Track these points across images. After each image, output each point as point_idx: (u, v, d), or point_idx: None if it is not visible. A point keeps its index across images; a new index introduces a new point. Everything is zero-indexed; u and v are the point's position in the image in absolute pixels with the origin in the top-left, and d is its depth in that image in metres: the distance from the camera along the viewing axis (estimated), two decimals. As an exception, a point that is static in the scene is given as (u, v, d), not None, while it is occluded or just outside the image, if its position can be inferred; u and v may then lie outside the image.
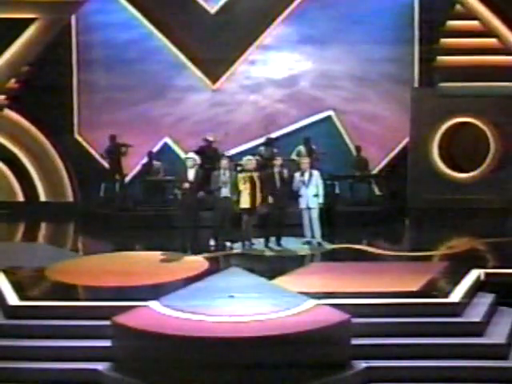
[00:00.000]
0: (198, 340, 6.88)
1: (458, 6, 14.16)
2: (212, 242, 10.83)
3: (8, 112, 14.69)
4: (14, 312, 8.01)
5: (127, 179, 14.84)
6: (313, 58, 15.45)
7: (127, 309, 7.66)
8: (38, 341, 7.64)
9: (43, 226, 14.01)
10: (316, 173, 11.02)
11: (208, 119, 15.39)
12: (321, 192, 10.93)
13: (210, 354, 6.82)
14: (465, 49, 14.16)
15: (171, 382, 6.89)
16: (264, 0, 15.25)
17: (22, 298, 8.25)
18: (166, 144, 15.37)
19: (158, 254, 10.45)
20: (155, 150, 15.02)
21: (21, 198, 15.15)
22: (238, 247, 10.87)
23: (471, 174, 14.48)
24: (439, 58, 14.34)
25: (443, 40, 14.32)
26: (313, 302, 7.62)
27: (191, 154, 11.15)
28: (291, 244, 10.98)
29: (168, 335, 6.97)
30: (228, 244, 10.85)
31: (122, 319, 7.41)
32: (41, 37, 14.06)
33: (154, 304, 7.81)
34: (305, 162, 11.09)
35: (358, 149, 14.44)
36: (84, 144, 15.56)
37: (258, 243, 10.97)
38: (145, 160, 14.48)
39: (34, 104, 14.68)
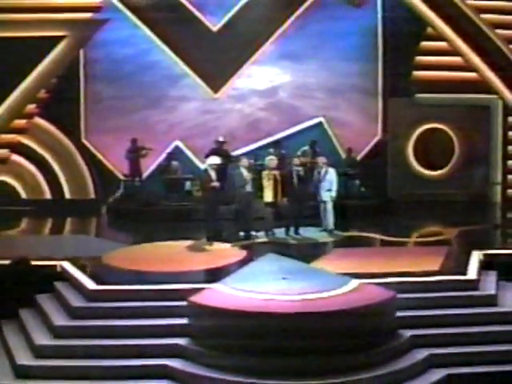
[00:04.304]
0: (270, 315, 7.04)
1: (429, 29, 14.60)
2: (242, 233, 10.92)
3: (37, 119, 14.44)
4: (94, 296, 8.00)
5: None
6: (291, 72, 15.65)
7: (194, 291, 7.68)
8: (120, 320, 7.66)
9: (73, 220, 13.78)
10: (331, 170, 11.21)
11: (199, 125, 15.39)
12: (334, 187, 11.13)
13: (280, 327, 6.98)
14: (435, 65, 14.61)
15: (245, 354, 6.97)
16: (260, 21, 15.32)
17: (98, 282, 8.23)
18: (177, 147, 15.33)
19: (197, 243, 10.48)
20: (167, 151, 14.99)
21: (48, 195, 14.90)
22: (262, 236, 11.00)
23: (440, 172, 14.95)
24: (415, 72, 14.74)
25: (418, 58, 14.73)
26: (357, 281, 7.85)
27: (213, 160, 11.13)
28: (308, 233, 11.16)
29: (242, 312, 7.10)
30: (254, 233, 10.98)
31: (196, 299, 7.49)
32: (69, 52, 13.88)
33: (218, 286, 7.91)
34: (320, 161, 11.28)
35: (350, 150, 14.76)
36: (90, 147, 15.31)
37: (279, 232, 11.12)
38: (163, 160, 14.45)
39: (60, 112, 14.50)
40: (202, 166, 14.63)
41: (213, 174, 10.74)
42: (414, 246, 10.61)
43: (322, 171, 11.17)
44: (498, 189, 14.62)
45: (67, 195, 14.95)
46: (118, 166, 14.97)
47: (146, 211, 13.36)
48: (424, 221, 12.93)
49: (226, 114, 15.59)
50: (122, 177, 14.85)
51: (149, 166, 14.97)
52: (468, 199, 14.13)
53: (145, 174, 14.91)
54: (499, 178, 14.68)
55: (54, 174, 14.82)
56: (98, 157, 15.15)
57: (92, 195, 15.03)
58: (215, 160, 10.93)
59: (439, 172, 14.92)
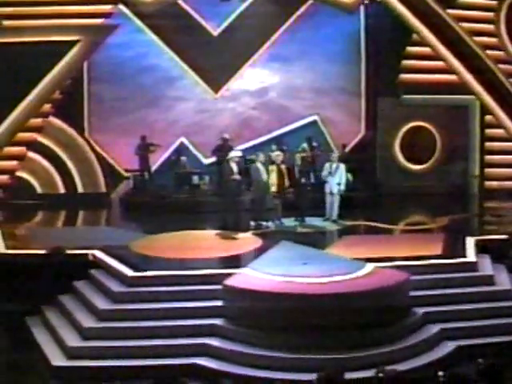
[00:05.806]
0: (300, 296, 7.37)
1: (414, 36, 14.99)
2: (252, 223, 11.13)
3: (52, 118, 14.47)
4: (133, 282, 8.17)
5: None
6: (280, 73, 15.87)
7: (225, 275, 7.90)
8: (159, 303, 7.87)
9: (87, 213, 13.87)
10: (342, 166, 11.41)
11: (196, 123, 15.45)
12: (343, 181, 11.33)
13: (308, 307, 7.30)
14: (420, 69, 15.01)
15: (277, 331, 7.26)
16: (257, 27, 15.52)
17: (135, 269, 8.38)
18: (182, 143, 15.48)
19: (215, 232, 10.64)
20: (172, 148, 15.13)
21: (62, 190, 14.93)
22: (272, 226, 11.19)
23: (423, 166, 15.37)
24: (401, 75, 15.12)
25: (404, 62, 15.12)
26: (371, 265, 8.17)
27: (236, 153, 11.21)
28: (313, 222, 11.37)
29: (276, 293, 7.43)
30: (264, 223, 11.19)
31: (232, 282, 7.71)
32: (82, 55, 13.93)
33: (247, 270, 8.14)
34: (334, 156, 11.51)
35: (344, 146, 15.10)
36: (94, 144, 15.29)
37: (287, 222, 11.30)
38: (172, 155, 14.61)
39: (71, 111, 14.56)
40: (205, 161, 15.03)
41: (234, 167, 10.87)
42: (412, 233, 10.96)
43: (334, 166, 11.37)
44: (476, 181, 15.16)
45: (80, 189, 15.00)
46: (120, 162, 15.02)
47: (156, 204, 13.50)
48: (413, 211, 13.31)
49: (220, 112, 15.74)
50: (124, 173, 14.96)
51: (154, 161, 15.12)
52: (449, 191, 14.55)
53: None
54: (477, 172, 15.18)
55: (67, 169, 14.81)
56: (100, 153, 15.22)
57: (103, 189, 15.10)
58: (237, 153, 11.06)
59: (423, 166, 15.30)
